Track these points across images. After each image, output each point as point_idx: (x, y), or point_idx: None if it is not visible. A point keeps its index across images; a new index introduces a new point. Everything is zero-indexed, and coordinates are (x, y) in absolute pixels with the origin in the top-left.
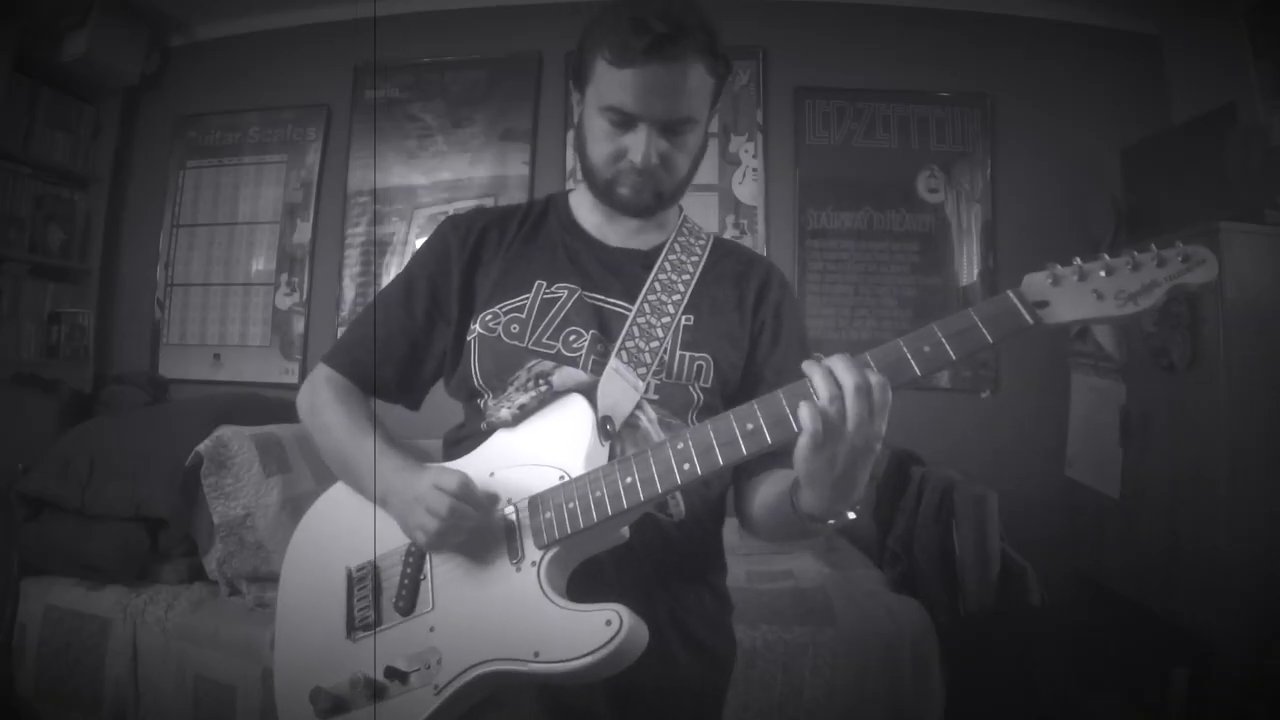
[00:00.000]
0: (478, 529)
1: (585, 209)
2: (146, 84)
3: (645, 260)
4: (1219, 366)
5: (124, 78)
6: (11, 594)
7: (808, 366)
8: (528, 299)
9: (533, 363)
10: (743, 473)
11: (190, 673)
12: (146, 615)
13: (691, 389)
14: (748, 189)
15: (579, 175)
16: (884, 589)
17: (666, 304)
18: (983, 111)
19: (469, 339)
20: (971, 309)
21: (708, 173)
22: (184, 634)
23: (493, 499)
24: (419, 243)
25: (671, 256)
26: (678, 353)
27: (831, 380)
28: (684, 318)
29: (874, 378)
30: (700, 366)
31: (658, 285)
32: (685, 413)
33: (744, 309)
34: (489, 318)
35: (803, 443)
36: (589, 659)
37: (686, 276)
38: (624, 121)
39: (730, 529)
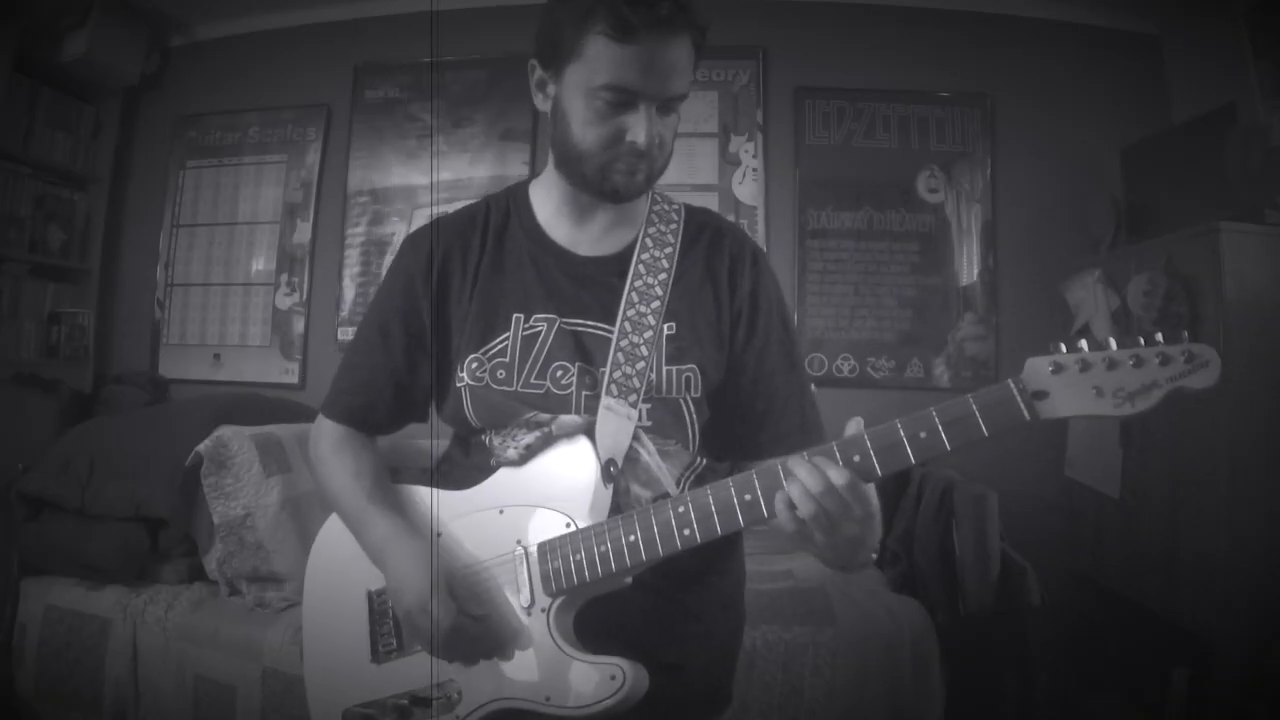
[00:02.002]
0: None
1: (550, 209)
2: (146, 84)
3: (619, 266)
4: None
5: (124, 78)
6: (11, 594)
7: (786, 481)
8: (508, 339)
9: (529, 415)
10: (747, 454)
11: (190, 673)
12: (146, 615)
13: (682, 402)
14: (748, 189)
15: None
16: (884, 589)
17: (646, 315)
18: (983, 111)
19: (458, 385)
20: (970, 396)
21: (708, 173)
22: (184, 634)
23: (469, 600)
24: None
25: (644, 255)
26: (664, 368)
27: (804, 491)
28: (665, 327)
29: (838, 479)
30: (688, 378)
31: (634, 296)
32: (679, 428)
33: (720, 301)
34: (474, 365)
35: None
36: (595, 708)
37: (663, 276)
38: (624, 101)
39: None
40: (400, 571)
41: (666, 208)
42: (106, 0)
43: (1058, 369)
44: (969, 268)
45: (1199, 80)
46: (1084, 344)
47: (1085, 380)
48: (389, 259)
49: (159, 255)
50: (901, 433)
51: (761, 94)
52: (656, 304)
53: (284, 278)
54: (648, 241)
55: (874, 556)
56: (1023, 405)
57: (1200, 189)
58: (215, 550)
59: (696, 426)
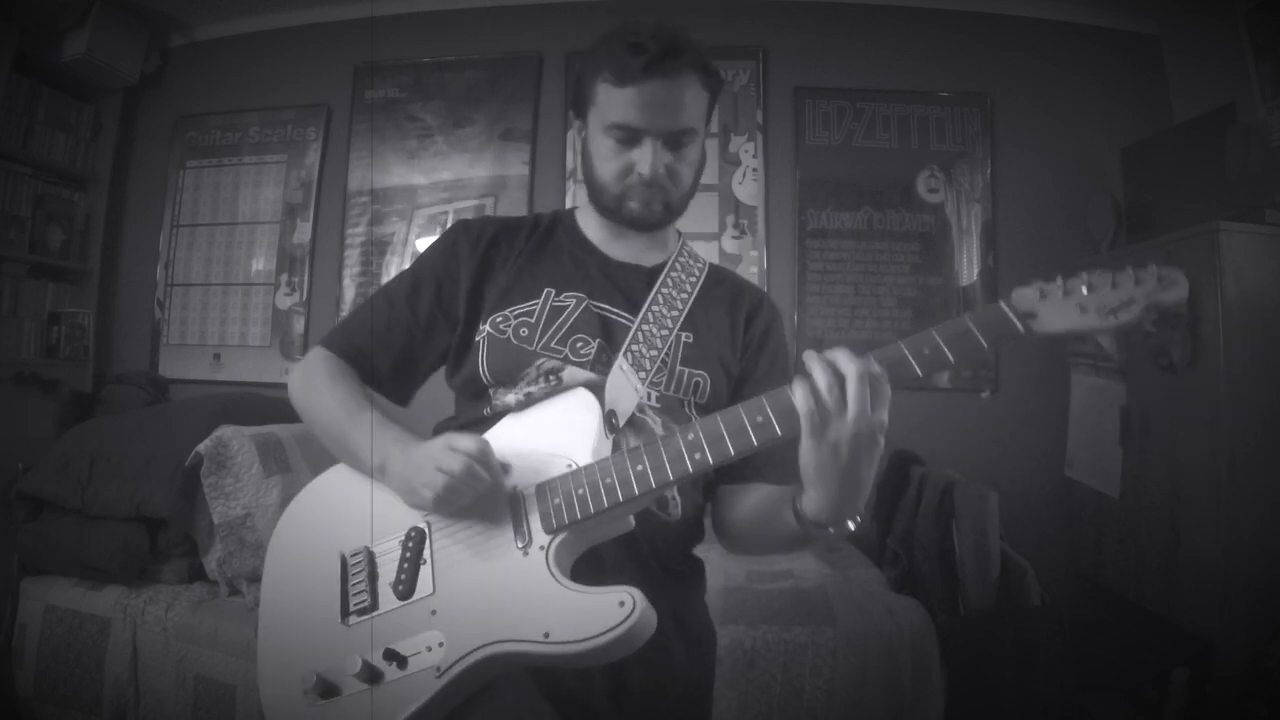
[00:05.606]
0: (486, 496)
1: (592, 227)
2: (146, 84)
3: (649, 277)
4: (1219, 366)
5: (124, 78)
6: (11, 594)
7: (808, 356)
8: (536, 304)
9: (541, 361)
10: (723, 480)
11: (190, 673)
12: (146, 615)
13: (686, 405)
14: (748, 189)
15: (578, 181)
16: (884, 589)
17: (667, 317)
18: (983, 111)
19: (478, 338)
20: (966, 315)
21: (708, 173)
22: (184, 634)
23: (506, 468)
24: (419, 243)
25: (673, 274)
26: (678, 367)
27: (830, 369)
28: (683, 334)
29: (875, 367)
30: (698, 383)
31: (660, 299)
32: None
33: (736, 331)
34: (499, 319)
35: (803, 429)
36: (601, 640)
37: (685, 294)
38: (630, 137)
39: None
40: (407, 452)
41: (693, 253)
42: (106, 0)
43: (1043, 295)
44: (969, 268)
45: (1199, 80)
46: (1060, 276)
47: (1070, 301)
48: (389, 259)
49: (159, 255)
50: (905, 350)
51: (761, 94)
52: (677, 313)
53: (284, 278)
54: (677, 266)
55: (854, 524)
56: (1016, 320)
57: (1200, 189)
58: (215, 550)
59: None
